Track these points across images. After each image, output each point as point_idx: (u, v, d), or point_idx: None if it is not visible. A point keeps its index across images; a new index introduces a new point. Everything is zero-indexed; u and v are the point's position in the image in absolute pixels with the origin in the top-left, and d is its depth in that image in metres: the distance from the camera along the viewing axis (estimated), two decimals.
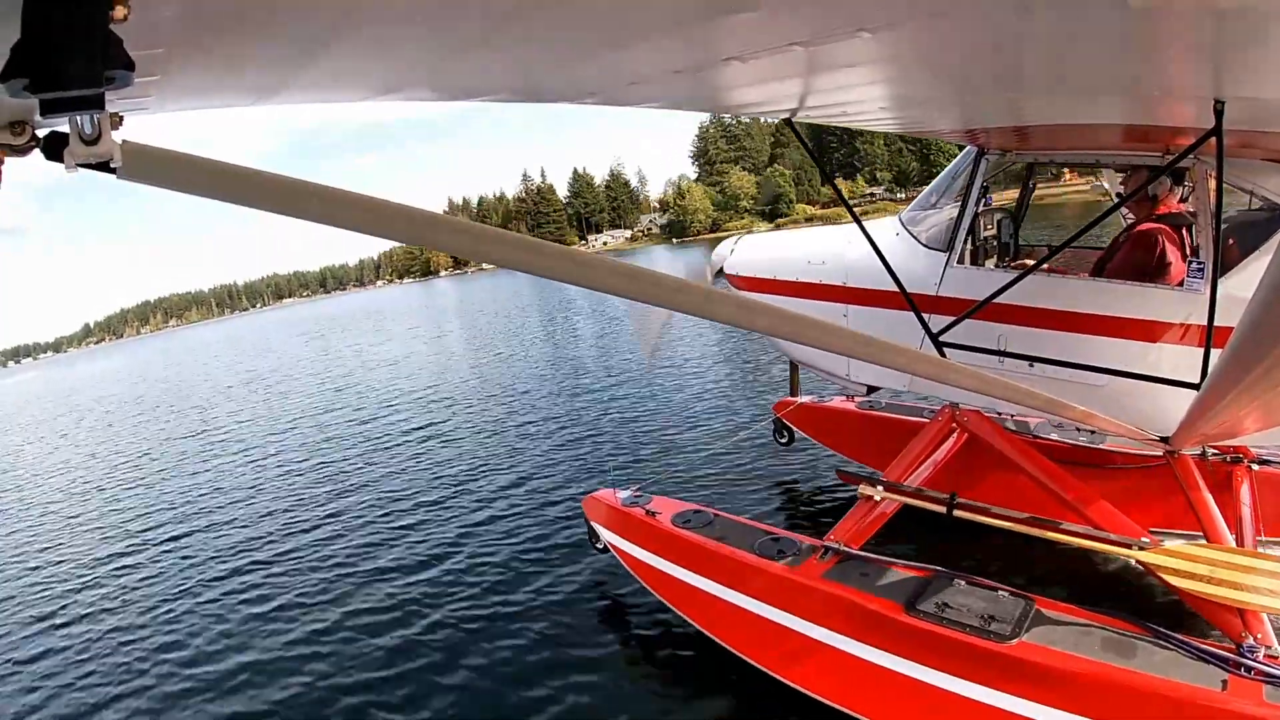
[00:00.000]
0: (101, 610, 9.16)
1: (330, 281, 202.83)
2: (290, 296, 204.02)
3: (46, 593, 10.19)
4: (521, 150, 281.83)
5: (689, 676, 5.70)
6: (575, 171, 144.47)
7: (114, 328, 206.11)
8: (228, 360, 47.68)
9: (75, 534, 12.95)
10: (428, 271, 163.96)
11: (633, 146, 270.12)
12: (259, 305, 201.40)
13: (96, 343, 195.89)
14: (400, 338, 38.95)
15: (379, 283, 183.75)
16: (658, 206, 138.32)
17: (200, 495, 13.92)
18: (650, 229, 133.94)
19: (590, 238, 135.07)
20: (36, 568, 11.41)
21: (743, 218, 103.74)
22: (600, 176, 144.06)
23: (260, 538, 10.72)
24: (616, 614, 6.83)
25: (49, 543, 12.69)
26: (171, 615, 8.59)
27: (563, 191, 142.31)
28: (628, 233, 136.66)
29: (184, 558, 10.59)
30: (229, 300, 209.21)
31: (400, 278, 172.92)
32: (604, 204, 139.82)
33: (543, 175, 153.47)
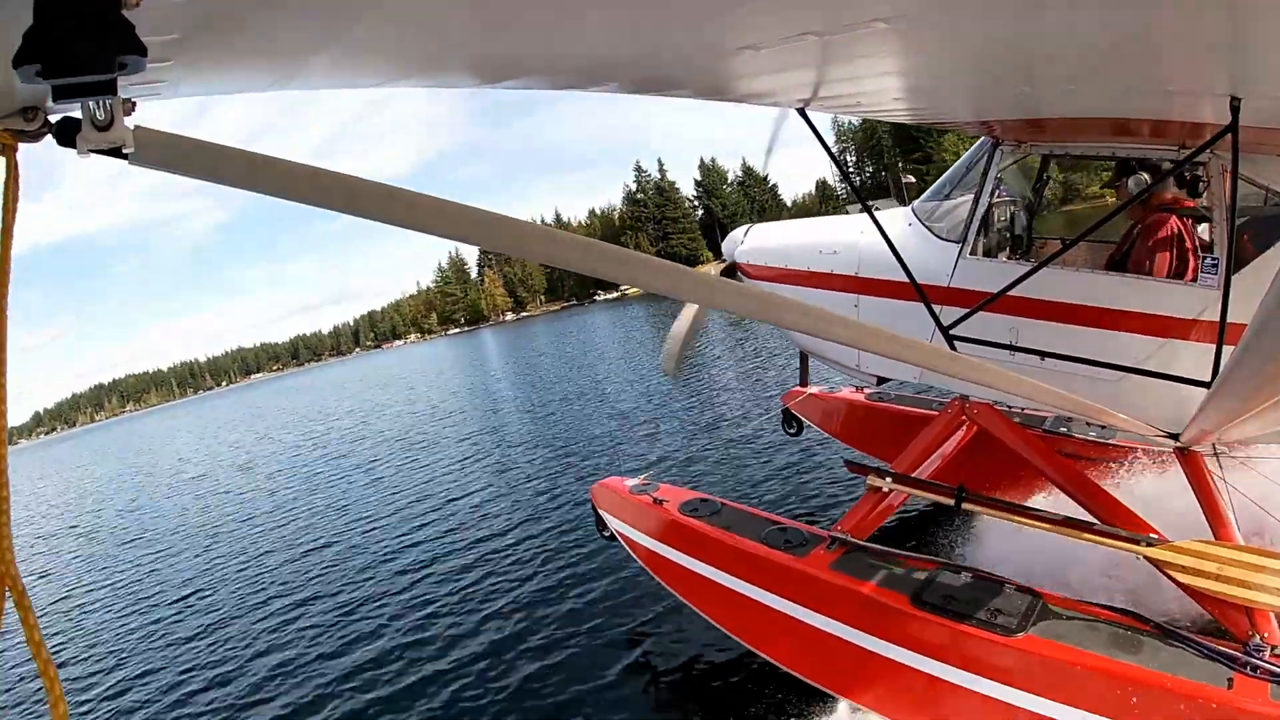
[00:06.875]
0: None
1: (303, 352, 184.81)
2: (259, 371, 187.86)
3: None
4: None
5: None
6: (703, 163, 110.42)
7: (65, 415, 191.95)
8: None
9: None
10: (478, 318, 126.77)
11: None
12: (225, 383, 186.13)
13: (48, 433, 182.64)
14: None
15: (359, 349, 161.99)
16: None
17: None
18: None
19: None
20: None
21: None
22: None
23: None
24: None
25: None
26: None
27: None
28: None
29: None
30: (191, 379, 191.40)
31: (421, 334, 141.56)
32: (743, 205, 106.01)
33: (661, 168, 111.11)
